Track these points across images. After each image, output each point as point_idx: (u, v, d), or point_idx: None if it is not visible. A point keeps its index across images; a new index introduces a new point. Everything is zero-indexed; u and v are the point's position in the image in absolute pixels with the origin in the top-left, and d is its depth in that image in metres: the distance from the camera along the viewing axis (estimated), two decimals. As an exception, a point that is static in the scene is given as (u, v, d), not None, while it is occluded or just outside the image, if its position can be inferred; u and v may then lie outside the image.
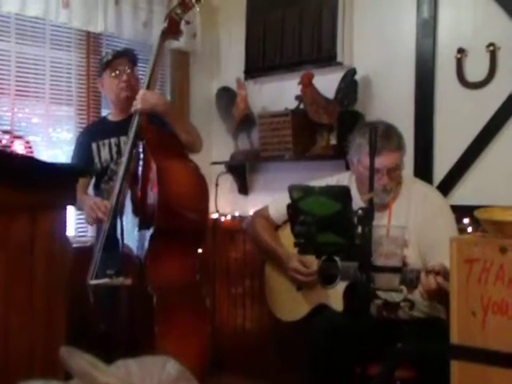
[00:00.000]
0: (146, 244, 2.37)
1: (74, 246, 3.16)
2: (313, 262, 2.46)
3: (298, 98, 3.35)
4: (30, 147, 3.18)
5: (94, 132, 2.91)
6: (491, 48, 2.83)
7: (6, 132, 3.10)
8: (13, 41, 3.15)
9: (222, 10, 3.90)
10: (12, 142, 3.10)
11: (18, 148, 3.10)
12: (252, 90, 3.67)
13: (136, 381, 0.95)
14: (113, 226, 2.49)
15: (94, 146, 2.83)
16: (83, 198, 2.73)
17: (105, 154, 2.81)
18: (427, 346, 2.05)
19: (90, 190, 2.89)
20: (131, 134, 2.56)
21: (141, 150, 2.49)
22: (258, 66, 3.67)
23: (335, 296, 2.38)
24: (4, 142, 3.05)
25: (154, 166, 2.39)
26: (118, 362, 0.99)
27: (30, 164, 1.67)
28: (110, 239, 2.48)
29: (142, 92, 2.59)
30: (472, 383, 1.59)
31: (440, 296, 2.03)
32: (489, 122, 2.85)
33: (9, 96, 3.15)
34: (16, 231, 1.58)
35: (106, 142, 2.81)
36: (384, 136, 2.30)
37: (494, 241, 1.62)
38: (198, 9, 2.74)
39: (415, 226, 2.32)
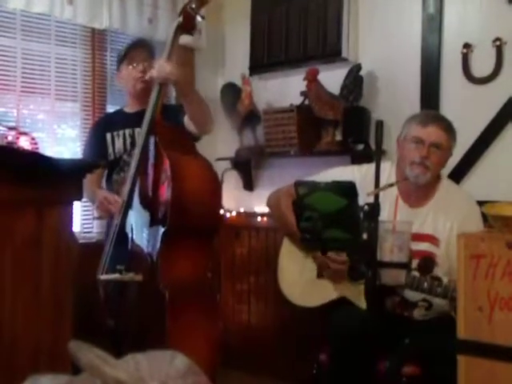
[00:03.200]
0: (158, 241, 2.32)
1: (80, 241, 3.18)
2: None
3: (302, 93, 3.35)
4: (36, 143, 3.19)
5: (109, 122, 2.89)
6: (497, 43, 2.83)
7: (11, 128, 3.10)
8: (18, 37, 3.16)
9: (227, 5, 3.90)
10: (17, 138, 3.10)
11: (24, 144, 3.10)
12: (257, 85, 3.67)
13: (144, 375, 0.95)
14: (124, 221, 2.47)
15: (108, 136, 2.80)
16: (96, 191, 2.71)
17: (119, 144, 2.78)
18: (434, 341, 2.05)
19: (103, 181, 2.86)
20: (146, 117, 2.50)
21: (153, 144, 2.45)
22: (263, 61, 3.66)
23: (360, 292, 2.33)
24: (10, 138, 3.05)
25: (166, 162, 2.34)
26: (126, 356, 1.00)
27: (36, 160, 1.67)
28: (121, 234, 2.47)
29: (160, 61, 2.51)
30: (479, 378, 1.59)
31: None
32: (495, 117, 2.85)
33: (14, 92, 3.16)
34: (22, 227, 1.58)
35: (121, 132, 2.78)
36: (435, 114, 2.41)
37: (500, 236, 1.62)
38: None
39: (450, 226, 2.28)
